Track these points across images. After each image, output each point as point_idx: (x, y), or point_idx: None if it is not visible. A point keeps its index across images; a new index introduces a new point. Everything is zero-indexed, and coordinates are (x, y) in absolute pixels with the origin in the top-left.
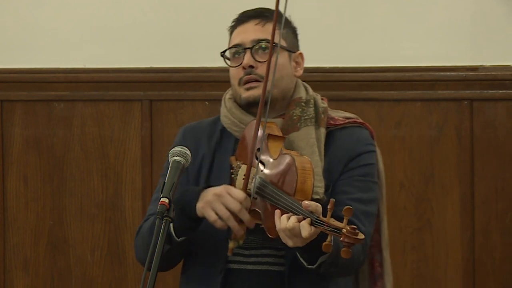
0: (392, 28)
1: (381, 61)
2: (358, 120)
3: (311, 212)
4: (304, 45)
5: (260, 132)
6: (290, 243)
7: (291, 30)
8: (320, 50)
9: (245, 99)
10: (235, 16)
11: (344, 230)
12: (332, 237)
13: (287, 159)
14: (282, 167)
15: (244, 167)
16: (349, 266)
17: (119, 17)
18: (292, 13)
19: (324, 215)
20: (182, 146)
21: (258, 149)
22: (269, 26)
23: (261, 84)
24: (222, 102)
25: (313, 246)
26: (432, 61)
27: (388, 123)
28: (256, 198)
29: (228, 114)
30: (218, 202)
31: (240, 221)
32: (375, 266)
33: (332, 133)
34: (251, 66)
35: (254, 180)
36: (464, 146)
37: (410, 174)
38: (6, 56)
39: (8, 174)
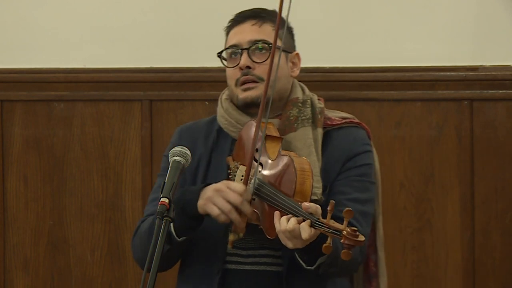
0: (394, 29)
1: (383, 62)
2: (354, 120)
3: (311, 213)
4: (306, 46)
5: (258, 133)
6: (290, 244)
7: (288, 31)
8: (322, 51)
9: (242, 100)
10: (231, 16)
11: (344, 232)
12: (332, 238)
13: (285, 160)
14: (280, 168)
15: (242, 168)
16: (348, 267)
17: (119, 17)
18: (295, 14)
19: (324, 216)
20: (182, 146)
21: (256, 150)
22: (266, 27)
23: (258, 85)
24: (219, 102)
25: (312, 248)
26: (432, 61)
27: (388, 123)
28: (254, 199)
29: (224, 114)
30: (219, 196)
31: (241, 213)
32: (370, 265)
33: (329, 133)
34: (248, 67)
35: (252, 181)
36: (464, 146)
37: (410, 174)
38: (6, 56)
39: (8, 174)
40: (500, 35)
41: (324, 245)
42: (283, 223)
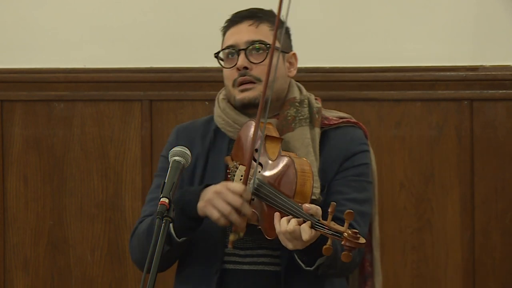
0: (394, 29)
1: (383, 62)
2: (351, 120)
3: (312, 215)
4: (306, 46)
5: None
6: (290, 246)
7: (284, 31)
8: (322, 51)
9: (239, 101)
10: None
11: (345, 234)
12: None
13: (286, 161)
14: (281, 168)
15: (242, 168)
16: (347, 268)
17: (119, 17)
18: (295, 14)
19: (324, 217)
20: (182, 146)
21: (256, 150)
22: (263, 27)
23: (256, 86)
24: (216, 102)
25: (312, 249)
26: (432, 61)
27: (388, 123)
28: (253, 199)
29: (222, 114)
30: (219, 198)
31: (241, 214)
32: (365, 265)
33: (326, 133)
34: (246, 68)
35: (252, 181)
36: (464, 146)
37: (410, 174)
38: (6, 56)
39: (8, 174)
40: (500, 35)
41: (325, 246)
42: (284, 224)
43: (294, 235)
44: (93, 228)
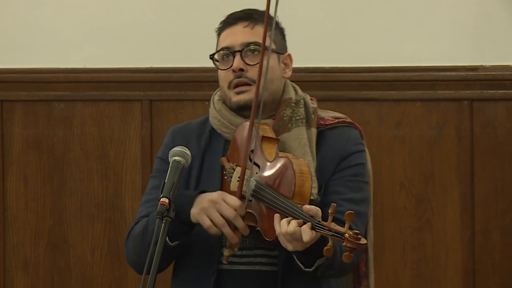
0: (394, 29)
1: (383, 62)
2: (347, 120)
3: (312, 216)
4: (306, 46)
5: (253, 134)
6: (290, 247)
7: (279, 32)
8: (322, 51)
9: (235, 103)
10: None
11: (346, 235)
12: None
13: (283, 162)
14: (279, 170)
15: (239, 169)
16: (345, 268)
17: (119, 17)
18: (295, 14)
19: (323, 218)
20: (182, 146)
21: (252, 151)
22: (258, 29)
23: (252, 88)
24: (211, 103)
25: (311, 250)
26: (432, 61)
27: (388, 123)
28: (251, 201)
29: (217, 115)
30: (213, 209)
31: (234, 228)
32: (360, 265)
33: (322, 133)
34: (241, 69)
35: (249, 182)
36: (464, 146)
37: (410, 174)
38: (6, 56)
39: (8, 174)
40: (500, 35)
41: (325, 247)
42: (284, 226)
43: (295, 237)
44: (93, 228)
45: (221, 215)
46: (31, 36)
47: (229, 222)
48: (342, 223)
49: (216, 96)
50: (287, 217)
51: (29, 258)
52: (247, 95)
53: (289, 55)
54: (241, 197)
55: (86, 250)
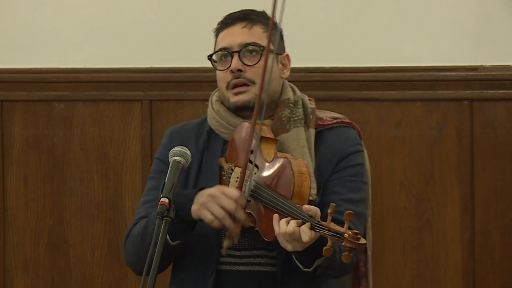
0: (394, 29)
1: (383, 62)
2: (345, 120)
3: (311, 216)
4: (306, 46)
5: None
6: (289, 247)
7: (277, 32)
8: (322, 51)
9: (233, 103)
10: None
11: (346, 235)
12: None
13: (282, 162)
14: (277, 170)
15: (238, 170)
16: (344, 268)
17: (119, 17)
18: (295, 14)
19: (323, 218)
20: (182, 146)
21: (251, 152)
22: (256, 29)
23: (250, 88)
24: (209, 103)
25: (311, 250)
26: (432, 61)
27: (388, 123)
28: (249, 201)
29: (215, 116)
30: (213, 202)
31: (235, 219)
32: (359, 265)
33: (321, 133)
34: (240, 70)
35: (248, 182)
36: (464, 146)
37: (410, 174)
38: (6, 56)
39: (8, 174)
40: (500, 35)
41: (325, 248)
42: (283, 226)
43: (294, 237)
44: (93, 228)
45: (221, 207)
46: (31, 36)
47: (229, 213)
48: (341, 223)
49: (214, 97)
50: (286, 217)
51: (29, 258)
52: (245, 96)
53: (287, 55)
54: None
55: (86, 250)
